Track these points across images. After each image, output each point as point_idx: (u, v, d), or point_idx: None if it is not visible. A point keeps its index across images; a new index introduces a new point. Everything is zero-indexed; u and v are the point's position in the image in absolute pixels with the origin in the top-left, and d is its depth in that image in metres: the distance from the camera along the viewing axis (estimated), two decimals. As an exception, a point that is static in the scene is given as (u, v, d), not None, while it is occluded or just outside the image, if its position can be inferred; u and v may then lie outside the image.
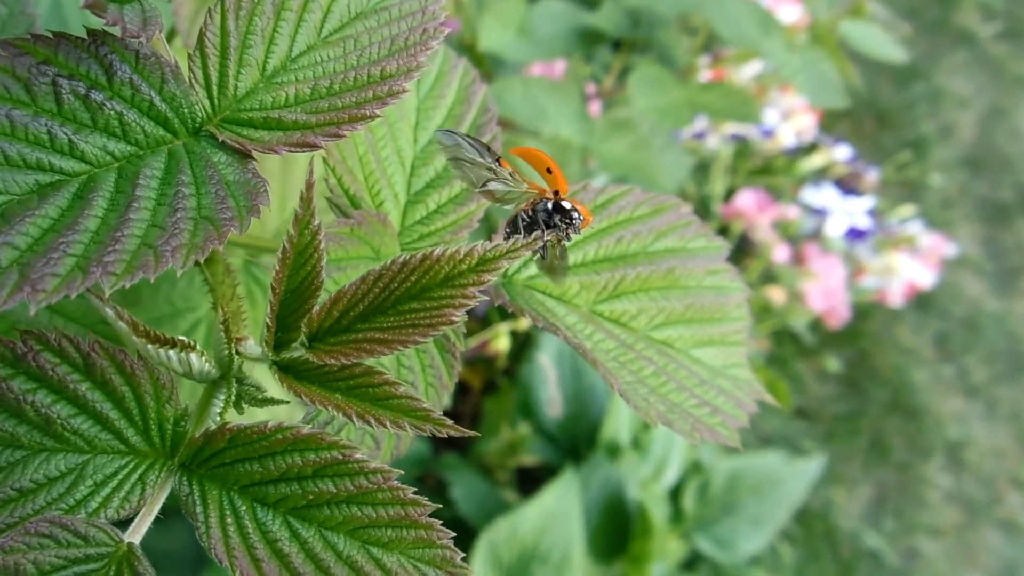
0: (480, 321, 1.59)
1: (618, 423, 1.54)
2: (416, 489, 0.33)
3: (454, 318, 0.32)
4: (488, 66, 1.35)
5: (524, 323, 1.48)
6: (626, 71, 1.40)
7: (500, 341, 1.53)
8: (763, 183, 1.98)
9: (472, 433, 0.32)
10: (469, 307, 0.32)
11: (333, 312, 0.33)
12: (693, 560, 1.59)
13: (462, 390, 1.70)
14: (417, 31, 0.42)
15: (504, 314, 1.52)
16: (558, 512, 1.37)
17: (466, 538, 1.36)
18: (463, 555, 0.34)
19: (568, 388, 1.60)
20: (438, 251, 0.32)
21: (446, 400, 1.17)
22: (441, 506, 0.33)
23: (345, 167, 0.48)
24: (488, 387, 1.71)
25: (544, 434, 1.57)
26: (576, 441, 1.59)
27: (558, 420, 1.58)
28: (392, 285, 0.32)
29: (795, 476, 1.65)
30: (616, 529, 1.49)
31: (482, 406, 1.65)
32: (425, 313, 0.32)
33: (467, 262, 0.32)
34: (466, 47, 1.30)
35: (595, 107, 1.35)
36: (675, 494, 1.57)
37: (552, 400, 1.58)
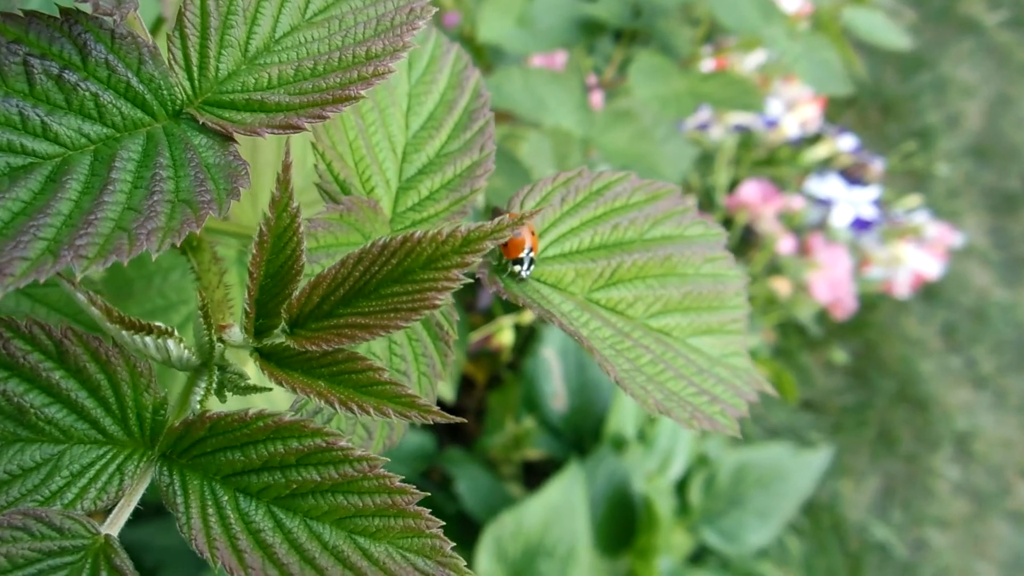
0: (484, 315, 1.58)
1: (623, 416, 1.53)
2: (403, 477, 0.32)
3: (437, 301, 0.31)
4: (488, 58, 1.34)
5: (528, 317, 1.47)
6: (628, 62, 1.38)
7: (504, 335, 1.52)
8: (767, 174, 1.96)
9: (458, 419, 0.31)
10: (453, 289, 0.31)
11: (313, 297, 0.32)
12: (700, 553, 1.59)
13: (467, 384, 1.69)
14: (404, 11, 0.41)
15: (508, 307, 1.51)
16: (563, 506, 1.36)
17: (471, 532, 1.35)
18: (453, 544, 0.33)
19: (572, 382, 1.59)
20: (419, 233, 0.31)
21: (449, 394, 1.15)
22: (429, 493, 0.32)
23: (335, 153, 0.47)
24: (492, 381, 1.70)
25: (549, 428, 1.56)
26: (581, 434, 1.58)
27: (563, 414, 1.57)
28: (373, 268, 0.31)
29: (802, 468, 1.64)
30: (622, 522, 1.48)
31: (487, 400, 1.64)
32: (407, 297, 0.31)
33: (450, 243, 0.31)
34: (465, 39, 1.29)
35: (597, 98, 1.34)
36: (681, 487, 1.56)
37: (556, 394, 1.58)
